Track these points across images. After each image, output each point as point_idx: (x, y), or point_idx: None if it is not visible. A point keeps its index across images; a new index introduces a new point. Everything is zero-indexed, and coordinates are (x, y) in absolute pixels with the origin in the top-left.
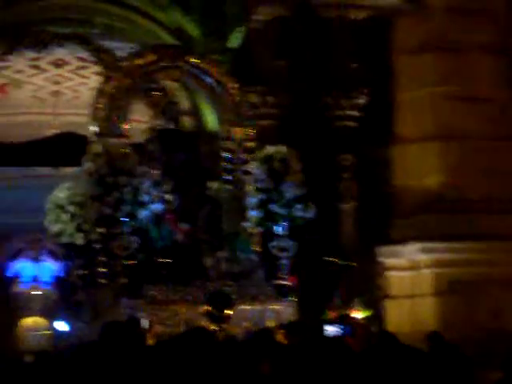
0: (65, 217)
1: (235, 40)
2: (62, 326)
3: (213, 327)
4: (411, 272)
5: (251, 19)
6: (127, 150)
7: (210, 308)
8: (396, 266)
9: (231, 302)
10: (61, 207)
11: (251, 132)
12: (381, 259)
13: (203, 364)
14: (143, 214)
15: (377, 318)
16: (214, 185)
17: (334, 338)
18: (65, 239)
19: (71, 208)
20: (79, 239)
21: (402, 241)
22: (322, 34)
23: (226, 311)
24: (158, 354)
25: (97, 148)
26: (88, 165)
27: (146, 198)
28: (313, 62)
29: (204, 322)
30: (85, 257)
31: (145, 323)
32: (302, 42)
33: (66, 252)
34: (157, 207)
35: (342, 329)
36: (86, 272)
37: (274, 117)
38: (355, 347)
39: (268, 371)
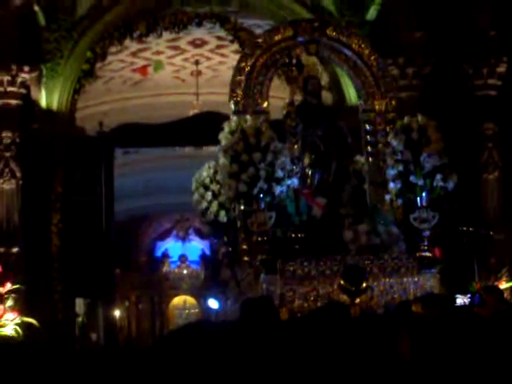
0: (209, 195)
1: (372, 12)
2: (213, 303)
3: (348, 302)
4: None
5: None
6: (263, 126)
7: (344, 282)
8: None
9: (366, 276)
10: (205, 186)
11: (392, 104)
12: None
13: (338, 339)
14: (279, 189)
15: None
16: (359, 158)
17: (463, 307)
18: (210, 217)
19: (214, 186)
20: (222, 217)
21: None
22: (459, 2)
23: (361, 285)
24: (293, 329)
25: (232, 125)
26: (223, 142)
27: (281, 173)
28: (451, 32)
29: (341, 297)
30: (229, 234)
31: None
32: (440, 11)
33: (212, 230)
34: (293, 182)
35: (470, 298)
36: (230, 249)
37: (414, 88)
38: (484, 314)
39: (407, 345)
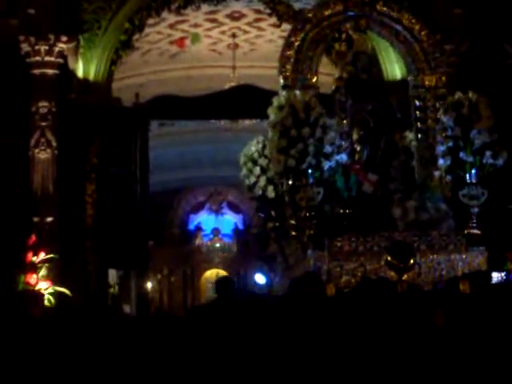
0: (257, 170)
1: None
2: (260, 278)
3: (396, 278)
4: None
5: None
6: (312, 101)
7: (391, 258)
8: None
9: (413, 252)
10: (253, 160)
11: (442, 80)
12: None
13: (382, 314)
14: (328, 165)
15: None
16: (408, 134)
17: (499, 285)
18: (258, 192)
19: (262, 161)
20: (271, 192)
21: None
22: None
23: (408, 261)
24: (338, 304)
25: (281, 100)
26: (272, 117)
27: (330, 149)
28: (489, 9)
29: (388, 273)
30: (276, 209)
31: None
32: None
33: (260, 205)
34: (342, 158)
35: (506, 275)
36: (277, 224)
37: (453, 64)
38: None
39: (442, 322)
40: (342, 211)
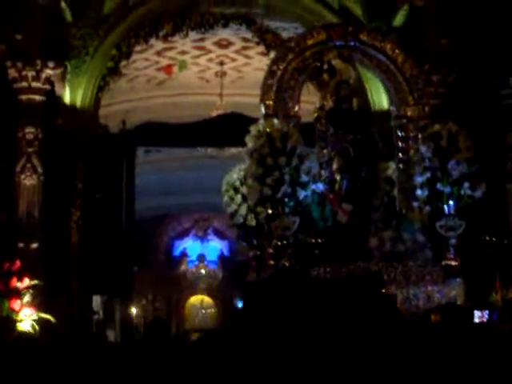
0: (238, 198)
1: (400, 19)
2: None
3: None
4: None
5: None
6: (289, 130)
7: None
8: None
9: (383, 282)
10: (235, 188)
11: (425, 110)
12: None
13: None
14: (303, 194)
15: None
16: (390, 165)
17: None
18: (239, 220)
19: (244, 189)
20: (251, 220)
21: None
22: (487, 11)
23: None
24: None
25: (259, 128)
26: (250, 145)
27: (306, 178)
28: (477, 40)
29: None
30: (257, 238)
31: None
32: (467, 19)
33: (241, 233)
34: (318, 187)
35: (488, 314)
36: (258, 253)
37: (439, 96)
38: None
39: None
40: (317, 240)
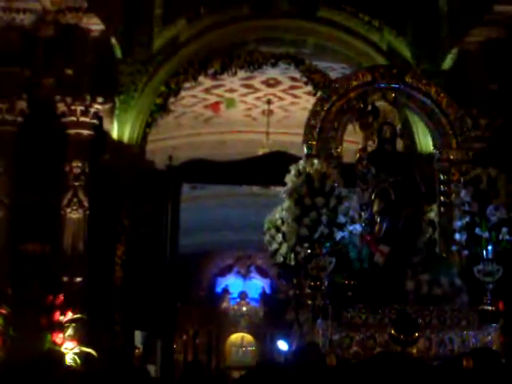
0: (279, 237)
1: (448, 62)
2: (282, 345)
3: (401, 351)
4: None
5: (464, 41)
6: (329, 171)
7: (394, 331)
8: None
9: (417, 326)
10: (276, 227)
11: (469, 155)
12: None
13: None
14: (340, 235)
15: None
16: (433, 208)
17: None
18: (279, 259)
19: (285, 228)
20: (291, 259)
21: None
22: None
23: (411, 335)
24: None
25: (299, 168)
26: (289, 185)
27: (343, 219)
28: None
29: (393, 347)
30: (296, 277)
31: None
32: None
33: (281, 272)
34: (356, 228)
35: None
36: (297, 292)
37: (486, 139)
38: None
39: None
40: (353, 282)
